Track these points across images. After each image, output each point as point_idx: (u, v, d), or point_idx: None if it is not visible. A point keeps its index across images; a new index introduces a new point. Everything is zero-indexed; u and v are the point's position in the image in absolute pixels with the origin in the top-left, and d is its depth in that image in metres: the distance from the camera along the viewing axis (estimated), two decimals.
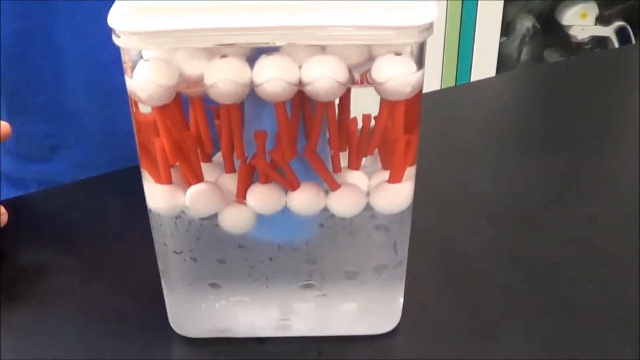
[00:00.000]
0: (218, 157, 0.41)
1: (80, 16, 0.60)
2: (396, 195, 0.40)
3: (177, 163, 0.39)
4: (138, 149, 0.39)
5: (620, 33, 1.91)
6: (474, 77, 1.73)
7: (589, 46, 1.94)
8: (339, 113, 0.38)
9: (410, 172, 0.40)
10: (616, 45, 1.92)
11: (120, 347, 0.46)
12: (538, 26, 1.94)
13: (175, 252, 0.42)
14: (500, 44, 1.79)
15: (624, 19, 1.92)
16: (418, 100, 0.38)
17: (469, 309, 0.48)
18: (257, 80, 0.35)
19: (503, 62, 1.88)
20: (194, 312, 0.45)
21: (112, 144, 0.66)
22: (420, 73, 0.36)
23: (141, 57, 0.36)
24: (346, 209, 0.40)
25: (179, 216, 0.40)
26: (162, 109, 0.37)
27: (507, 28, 1.87)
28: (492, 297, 0.49)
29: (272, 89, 0.35)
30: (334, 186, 0.39)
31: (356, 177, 0.41)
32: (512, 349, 0.45)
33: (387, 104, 0.37)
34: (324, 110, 0.37)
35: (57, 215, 0.58)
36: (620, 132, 0.69)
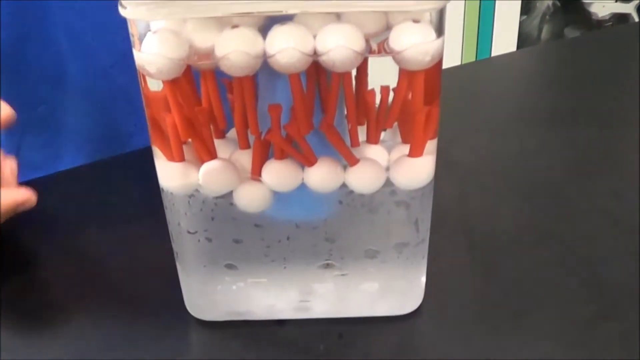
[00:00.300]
0: (232, 133, 0.40)
1: (77, 21, 0.58)
2: (417, 170, 0.39)
3: (190, 140, 0.38)
4: (149, 125, 0.38)
5: None
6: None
7: (610, 23, 1.91)
8: (356, 85, 0.37)
9: (431, 145, 0.38)
10: (637, 20, 1.89)
11: (136, 331, 0.45)
12: (558, 4, 1.92)
13: (190, 233, 0.40)
14: (521, 23, 1.76)
15: None
16: (438, 69, 0.36)
17: (493, 287, 0.46)
18: (270, 51, 0.34)
19: (523, 40, 1.86)
20: (210, 295, 0.43)
21: (112, 148, 0.65)
22: (440, 41, 0.35)
23: (149, 30, 0.35)
24: (365, 185, 0.39)
25: (193, 195, 0.39)
26: (173, 83, 0.35)
27: (527, 6, 1.85)
28: (517, 274, 0.47)
29: (285, 60, 0.34)
30: (353, 161, 0.38)
31: (375, 152, 0.39)
32: (539, 328, 0.43)
33: (406, 74, 0.36)
34: (341, 81, 0.36)
35: (68, 199, 0.56)
36: None
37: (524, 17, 1.85)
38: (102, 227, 0.53)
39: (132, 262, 0.49)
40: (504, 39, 1.74)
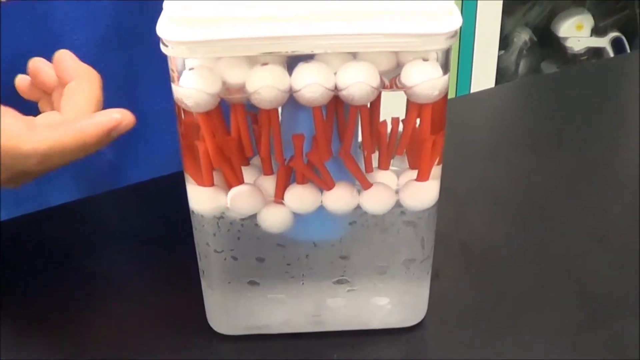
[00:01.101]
0: (254, 160, 0.44)
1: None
2: (424, 193, 0.43)
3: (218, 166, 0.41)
4: (182, 154, 0.42)
5: (616, 43, 1.95)
6: (474, 90, 1.76)
7: (585, 57, 1.97)
8: (369, 116, 0.41)
9: (437, 170, 0.43)
10: (611, 54, 1.95)
11: (159, 345, 0.48)
12: (535, 39, 1.98)
13: (217, 252, 0.44)
14: (499, 57, 1.82)
15: (619, 30, 1.95)
16: (444, 102, 0.40)
17: (489, 300, 0.51)
18: (296, 86, 0.38)
19: (501, 74, 1.91)
20: (232, 310, 0.47)
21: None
22: (446, 77, 0.39)
23: (184, 67, 0.39)
24: (378, 207, 0.43)
25: (221, 217, 0.43)
26: (207, 115, 0.39)
27: (504, 41, 1.90)
28: (511, 288, 0.52)
29: (310, 94, 0.38)
30: (367, 185, 0.42)
31: (385, 177, 0.43)
32: (533, 335, 0.48)
33: (415, 107, 0.40)
34: (357, 113, 0.40)
35: (91, 222, 0.60)
36: (618, 134, 0.72)
37: (502, 52, 1.90)
38: (126, 248, 0.56)
39: (155, 279, 0.53)
40: (483, 73, 1.79)
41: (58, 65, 0.48)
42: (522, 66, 1.99)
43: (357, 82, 0.38)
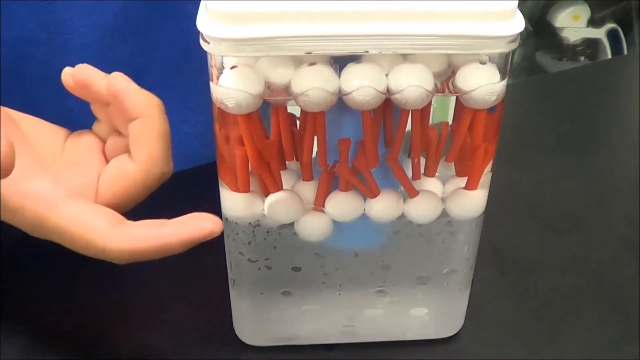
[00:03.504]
0: (290, 164, 0.41)
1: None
2: (473, 202, 0.41)
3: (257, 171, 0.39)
4: (217, 158, 0.39)
5: (612, 35, 1.94)
6: None
7: (581, 48, 1.96)
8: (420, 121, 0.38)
9: (486, 178, 0.40)
10: (607, 46, 1.94)
11: (184, 355, 0.46)
12: (530, 28, 1.96)
13: (251, 261, 0.42)
14: None
15: (615, 21, 1.94)
16: (500, 108, 0.38)
17: (524, 310, 0.49)
18: (346, 88, 0.35)
19: None
20: (262, 321, 0.45)
21: None
22: (504, 82, 0.37)
23: (223, 66, 0.36)
24: (424, 216, 0.40)
25: (257, 224, 0.40)
26: (247, 118, 0.37)
27: None
28: (545, 298, 0.50)
29: (361, 98, 0.35)
30: (413, 193, 0.40)
31: (431, 184, 0.41)
32: (568, 348, 0.46)
33: (469, 112, 0.38)
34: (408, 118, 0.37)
35: None
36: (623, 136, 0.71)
37: None
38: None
39: (181, 288, 0.50)
40: None
41: (116, 97, 0.44)
42: (517, 55, 1.98)
43: (413, 85, 0.35)
